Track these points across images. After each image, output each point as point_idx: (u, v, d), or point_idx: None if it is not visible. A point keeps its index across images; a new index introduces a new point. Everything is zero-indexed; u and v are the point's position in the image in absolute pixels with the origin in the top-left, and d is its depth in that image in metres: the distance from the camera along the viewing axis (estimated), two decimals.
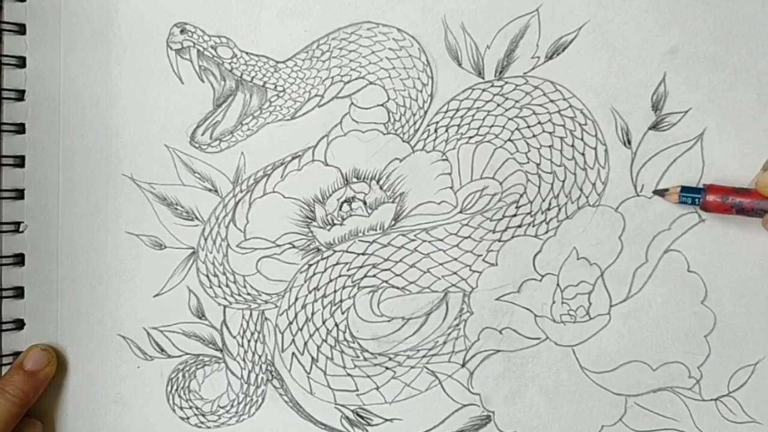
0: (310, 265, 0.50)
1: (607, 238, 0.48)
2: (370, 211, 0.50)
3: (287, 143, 0.50)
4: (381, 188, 0.49)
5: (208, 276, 0.51)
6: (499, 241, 0.49)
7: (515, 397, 0.50)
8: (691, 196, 0.46)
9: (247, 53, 0.50)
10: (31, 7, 0.50)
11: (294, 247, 0.50)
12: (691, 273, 0.48)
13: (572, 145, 0.48)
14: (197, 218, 0.51)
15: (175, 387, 0.51)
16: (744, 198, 0.45)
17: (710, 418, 0.48)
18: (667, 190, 0.47)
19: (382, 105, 0.49)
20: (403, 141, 0.49)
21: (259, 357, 0.51)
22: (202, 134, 0.50)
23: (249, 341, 0.51)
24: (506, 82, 0.49)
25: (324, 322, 0.50)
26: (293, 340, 0.51)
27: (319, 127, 0.50)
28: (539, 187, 0.49)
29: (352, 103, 0.49)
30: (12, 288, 0.51)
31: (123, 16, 0.50)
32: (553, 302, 0.49)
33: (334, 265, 0.50)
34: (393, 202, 0.49)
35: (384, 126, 0.49)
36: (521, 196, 0.49)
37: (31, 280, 0.51)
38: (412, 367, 0.50)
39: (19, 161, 0.51)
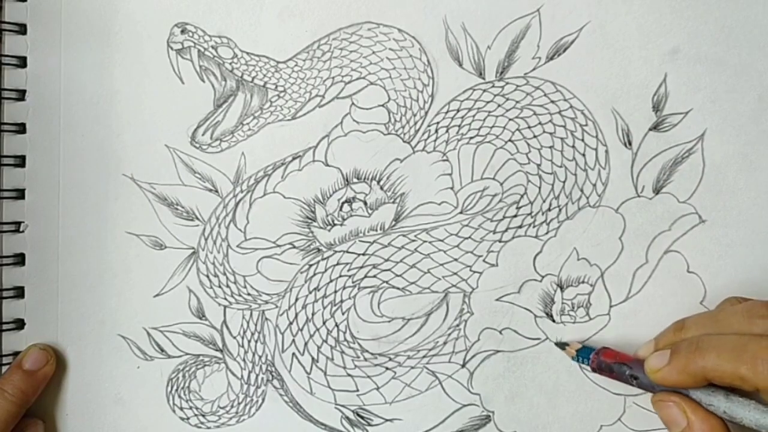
0: (311, 266, 0.50)
1: (608, 238, 0.49)
2: (370, 211, 0.50)
3: (288, 143, 0.50)
4: (381, 189, 0.49)
5: (208, 276, 0.51)
6: (500, 241, 0.49)
7: (515, 397, 0.50)
8: (584, 357, 0.47)
9: (247, 53, 0.50)
10: (31, 7, 0.50)
11: (294, 247, 0.50)
12: (691, 274, 0.48)
13: (573, 146, 0.48)
14: (197, 218, 0.51)
15: (175, 387, 0.51)
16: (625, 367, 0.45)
17: None
18: (567, 344, 0.48)
19: (382, 105, 0.49)
20: (404, 141, 0.49)
21: (260, 357, 0.51)
22: (203, 134, 0.50)
23: (249, 341, 0.51)
24: (507, 83, 0.49)
25: (324, 323, 0.50)
26: (293, 340, 0.51)
27: (320, 127, 0.50)
28: (540, 188, 0.49)
29: (353, 104, 0.49)
30: (12, 288, 0.51)
31: (123, 16, 0.50)
32: (553, 303, 0.49)
33: (335, 265, 0.50)
34: (393, 202, 0.50)
35: (385, 126, 0.49)
36: (522, 196, 0.49)
37: (32, 280, 0.51)
38: (412, 368, 0.50)
39: (20, 161, 0.51)
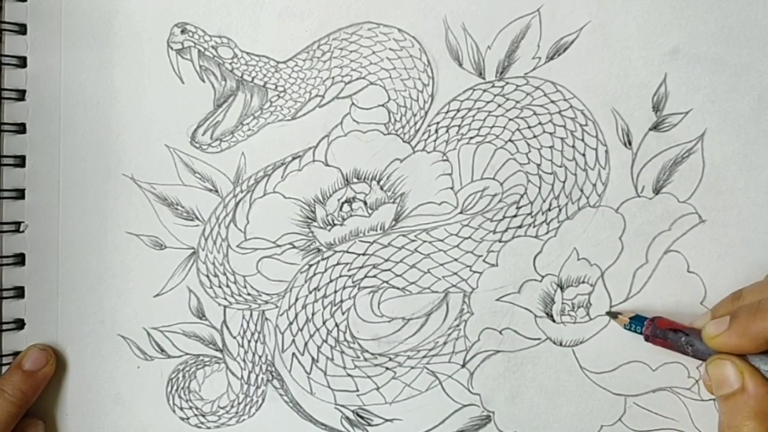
0: (311, 266, 0.50)
1: (608, 238, 0.48)
2: (370, 211, 0.50)
3: (288, 143, 0.50)
4: (381, 189, 0.49)
5: (208, 276, 0.51)
6: (500, 241, 0.49)
7: (515, 398, 0.50)
8: (637, 324, 0.47)
9: (247, 53, 0.50)
10: (31, 7, 0.50)
11: (294, 247, 0.50)
12: (691, 273, 0.48)
13: (573, 146, 0.48)
14: (197, 218, 0.51)
15: (175, 387, 0.51)
16: (683, 336, 0.45)
17: (709, 418, 0.48)
18: (620, 313, 0.48)
19: (382, 105, 0.49)
20: (404, 141, 0.49)
21: (260, 357, 0.51)
22: (203, 134, 0.50)
23: (249, 341, 0.51)
24: (507, 83, 0.49)
25: (324, 323, 0.50)
26: (293, 340, 0.51)
27: (320, 127, 0.50)
28: (540, 188, 0.49)
29: (353, 104, 0.49)
30: (12, 288, 0.51)
31: (123, 16, 0.50)
32: (554, 303, 0.49)
33: (335, 265, 0.50)
34: (393, 202, 0.50)
35: (385, 126, 0.49)
36: (522, 196, 0.49)
37: (32, 280, 0.51)
38: (412, 368, 0.50)
39: (20, 161, 0.51)
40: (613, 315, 0.48)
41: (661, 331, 0.46)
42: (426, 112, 0.49)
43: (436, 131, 0.49)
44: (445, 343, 0.50)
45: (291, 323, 0.51)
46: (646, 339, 0.47)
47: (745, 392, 0.41)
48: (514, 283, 0.49)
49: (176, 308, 0.51)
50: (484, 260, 0.49)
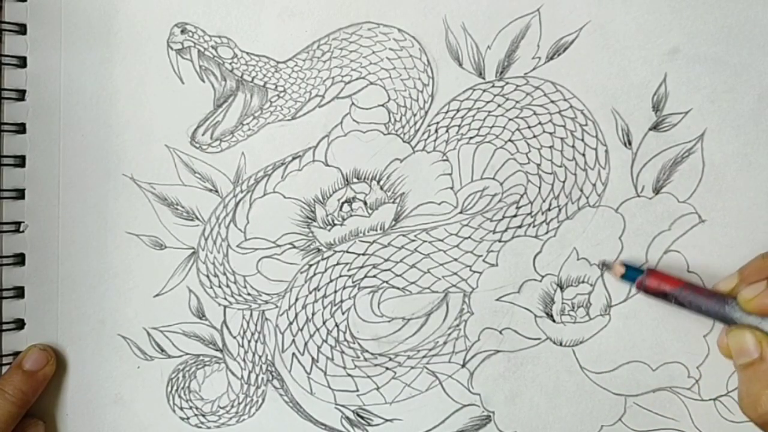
0: (311, 266, 0.50)
1: (608, 238, 0.49)
2: (370, 211, 0.50)
3: (288, 143, 0.50)
4: (381, 188, 0.49)
5: (208, 276, 0.51)
6: (500, 241, 0.49)
7: (515, 398, 0.50)
8: (633, 275, 0.47)
9: (247, 53, 0.50)
10: (31, 7, 0.50)
11: (294, 247, 0.50)
12: (691, 273, 0.48)
13: (573, 146, 0.49)
14: (197, 218, 0.51)
15: (175, 387, 0.51)
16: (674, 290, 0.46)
17: (709, 418, 0.49)
18: (610, 266, 0.48)
19: (382, 105, 0.49)
20: (404, 141, 0.49)
21: (260, 357, 0.51)
22: (203, 134, 0.50)
23: (249, 341, 0.51)
24: (507, 83, 0.49)
25: (324, 323, 0.50)
26: (293, 340, 0.51)
27: (320, 127, 0.50)
28: (539, 188, 0.49)
29: (353, 104, 0.49)
30: (12, 288, 0.51)
31: (123, 16, 0.50)
32: (554, 302, 0.49)
33: (335, 265, 0.50)
34: (393, 202, 0.50)
35: (385, 126, 0.49)
36: (521, 196, 0.49)
37: (32, 280, 0.51)
38: (412, 368, 0.50)
39: (20, 161, 0.51)
40: (607, 266, 0.48)
41: (651, 290, 0.46)
42: (426, 112, 0.49)
43: (436, 131, 0.49)
44: (445, 343, 0.50)
45: (291, 323, 0.51)
46: (638, 289, 0.47)
47: (764, 361, 0.42)
48: (514, 283, 0.49)
49: (176, 308, 0.51)
50: (484, 260, 0.49)
